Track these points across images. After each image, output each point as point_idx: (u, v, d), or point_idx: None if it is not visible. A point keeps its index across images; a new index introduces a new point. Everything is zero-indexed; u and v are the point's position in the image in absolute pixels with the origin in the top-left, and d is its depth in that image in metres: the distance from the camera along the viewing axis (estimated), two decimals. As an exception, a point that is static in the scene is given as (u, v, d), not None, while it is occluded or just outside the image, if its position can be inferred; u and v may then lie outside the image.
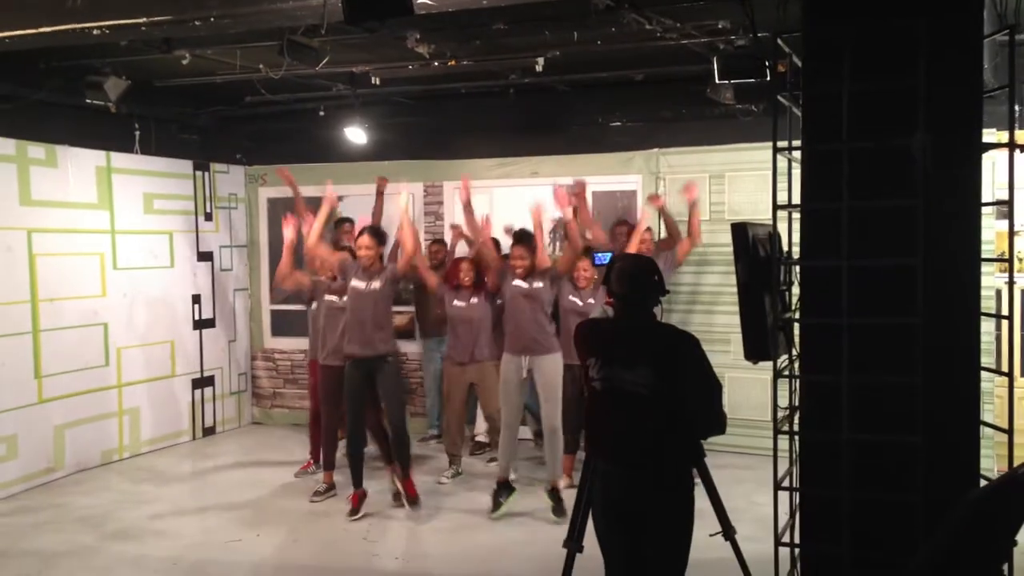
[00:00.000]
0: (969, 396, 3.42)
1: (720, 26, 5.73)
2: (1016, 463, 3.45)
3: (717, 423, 3.49)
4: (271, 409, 9.84)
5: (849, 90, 3.45)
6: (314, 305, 7.45)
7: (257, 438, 9.19)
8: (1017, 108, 3.36)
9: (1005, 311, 6.09)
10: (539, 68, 6.67)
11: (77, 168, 7.81)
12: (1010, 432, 3.41)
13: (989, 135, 3.50)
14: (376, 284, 6.47)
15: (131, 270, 8.34)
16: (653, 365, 3.53)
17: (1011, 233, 3.43)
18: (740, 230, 3.62)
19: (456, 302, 7.16)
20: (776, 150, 3.60)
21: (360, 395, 6.50)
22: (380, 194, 8.00)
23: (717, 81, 5.61)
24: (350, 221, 8.75)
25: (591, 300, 6.79)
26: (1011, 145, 3.40)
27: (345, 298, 6.64)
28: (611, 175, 8.59)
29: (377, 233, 6.72)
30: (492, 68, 7.26)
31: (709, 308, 8.04)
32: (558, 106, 8.60)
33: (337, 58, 6.45)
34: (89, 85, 6.65)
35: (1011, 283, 3.46)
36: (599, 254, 5.68)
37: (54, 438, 7.56)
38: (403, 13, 3.74)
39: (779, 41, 3.68)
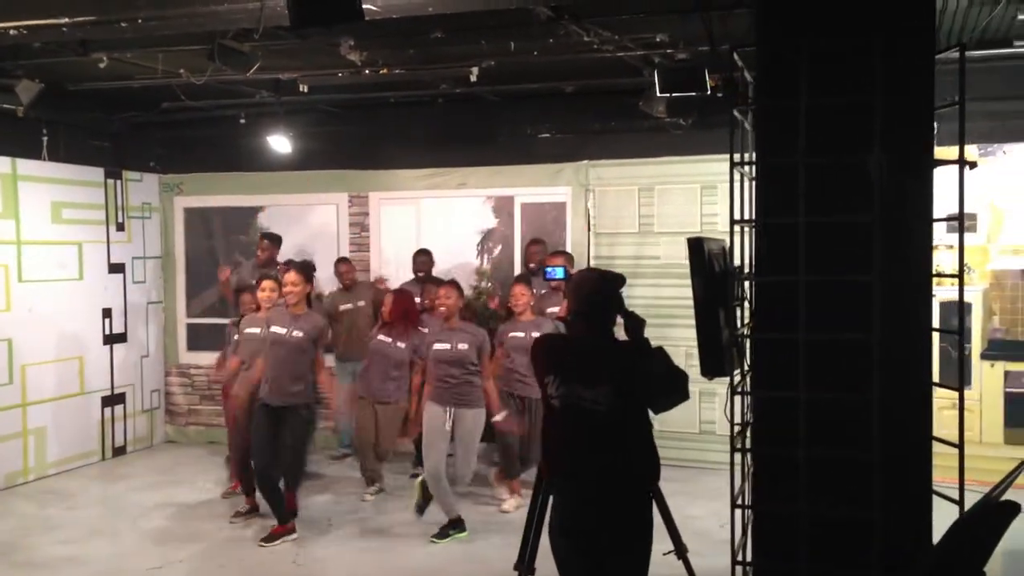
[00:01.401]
0: (922, 411, 3.44)
1: (658, 39, 5.73)
2: (964, 477, 3.50)
3: (681, 388, 3.47)
4: (186, 427, 9.47)
5: (805, 105, 3.44)
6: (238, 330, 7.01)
7: (171, 457, 8.82)
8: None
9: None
10: (474, 78, 6.57)
11: (-20, 174, 7.41)
12: (960, 447, 3.44)
13: (938, 152, 3.53)
14: (298, 333, 6.13)
15: (37, 283, 7.92)
16: (613, 383, 3.47)
17: (961, 248, 3.47)
18: (697, 245, 3.57)
19: (381, 336, 7.03)
20: (733, 164, 3.57)
21: (268, 442, 6.13)
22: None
23: (658, 94, 5.59)
24: (270, 238, 8.48)
25: (535, 333, 6.18)
26: (960, 162, 3.44)
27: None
28: (540, 187, 8.55)
29: (305, 269, 6.39)
30: (424, 77, 7.12)
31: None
32: (487, 117, 8.51)
33: (263, 64, 6.22)
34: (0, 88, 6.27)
35: (961, 298, 3.49)
36: (550, 268, 5.57)
37: (-47, 461, 7.12)
38: (353, 19, 3.59)
39: (734, 55, 3.66)
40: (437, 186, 8.83)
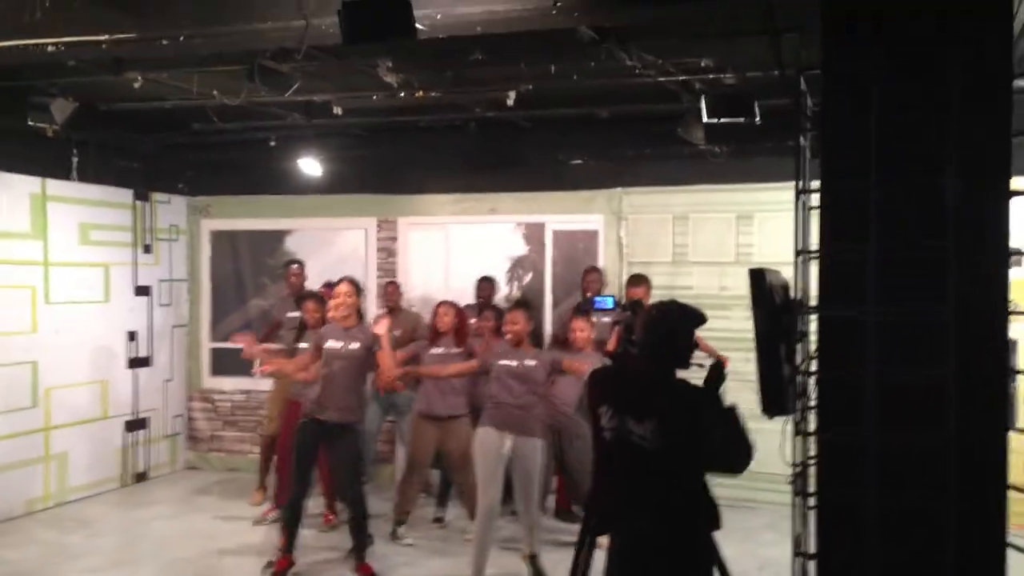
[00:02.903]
0: (999, 456, 3.25)
1: (703, 64, 5.59)
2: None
3: (746, 453, 3.28)
4: (208, 453, 9.32)
5: (875, 129, 3.29)
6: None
7: (193, 484, 8.67)
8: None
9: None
10: (510, 102, 6.44)
11: (9, 195, 7.33)
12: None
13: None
14: (354, 345, 5.94)
15: (64, 304, 7.82)
16: (665, 420, 3.32)
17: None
18: (758, 276, 3.42)
19: (434, 350, 6.80)
20: (799, 191, 3.41)
21: (312, 464, 6.01)
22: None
23: (705, 119, 5.45)
24: (298, 263, 8.33)
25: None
26: (1038, 192, 3.28)
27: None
28: (572, 214, 8.42)
29: (356, 282, 6.23)
30: (459, 100, 7.01)
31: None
32: (518, 141, 8.37)
33: (299, 85, 6.13)
34: (34, 106, 6.19)
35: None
36: (599, 298, 5.36)
37: (-27, 487, 6.99)
38: (407, 35, 3.49)
39: (802, 79, 3.52)
40: (467, 211, 8.71)
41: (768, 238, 7.70)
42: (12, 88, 6.21)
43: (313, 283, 8.34)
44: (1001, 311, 3.25)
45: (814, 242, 3.59)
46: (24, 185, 7.46)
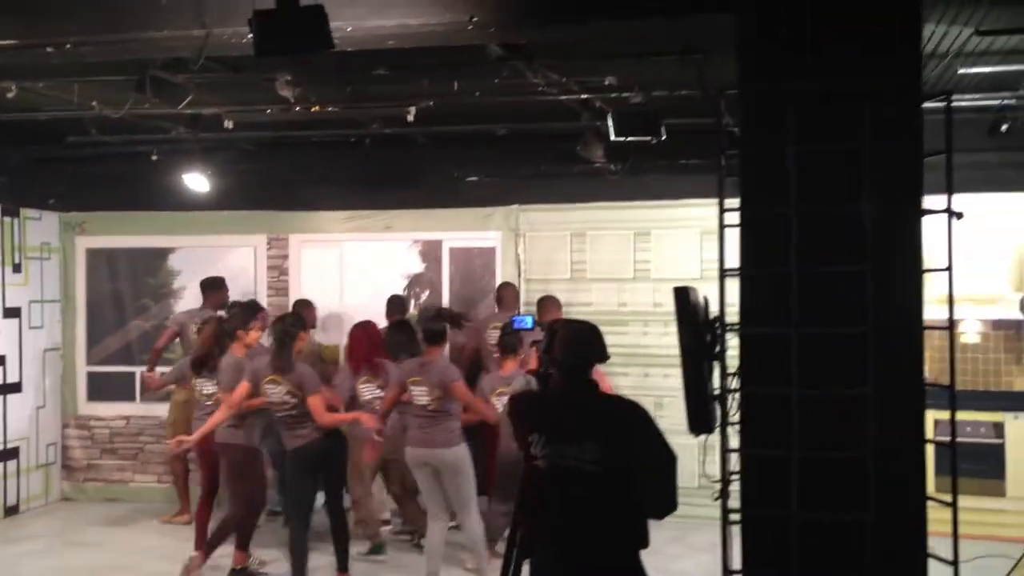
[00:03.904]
0: (917, 467, 3.34)
1: (607, 83, 5.61)
2: (958, 534, 3.42)
3: (670, 500, 3.25)
4: (84, 483, 8.79)
5: (793, 153, 3.34)
6: None
7: (69, 516, 8.16)
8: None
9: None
10: (411, 118, 6.34)
11: None
12: (954, 504, 3.35)
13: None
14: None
15: (-75, 328, 7.26)
16: (601, 438, 3.28)
17: (951, 300, 3.41)
18: (683, 294, 3.41)
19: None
20: (723, 210, 3.43)
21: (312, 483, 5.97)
22: None
23: (613, 137, 5.47)
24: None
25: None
26: (948, 212, 3.39)
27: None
28: (469, 231, 8.35)
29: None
30: (356, 116, 6.86)
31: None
32: (414, 158, 8.24)
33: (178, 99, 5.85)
34: None
35: (952, 351, 3.41)
36: (518, 318, 5.33)
37: None
38: (324, 47, 3.34)
39: (721, 100, 3.55)
40: (361, 229, 8.52)
41: (665, 254, 7.81)
42: None
43: (197, 302, 8.03)
44: (916, 327, 3.34)
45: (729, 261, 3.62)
46: None
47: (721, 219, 3.46)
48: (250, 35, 3.59)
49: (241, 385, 5.80)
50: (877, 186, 3.33)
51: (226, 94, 6.23)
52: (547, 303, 7.52)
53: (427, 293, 8.44)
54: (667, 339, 7.76)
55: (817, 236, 3.37)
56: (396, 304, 7.90)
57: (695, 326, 3.43)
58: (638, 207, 7.84)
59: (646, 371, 7.66)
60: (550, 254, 8.13)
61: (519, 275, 8.15)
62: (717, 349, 3.52)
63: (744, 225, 3.47)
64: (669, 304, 7.99)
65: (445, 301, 8.34)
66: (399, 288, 8.37)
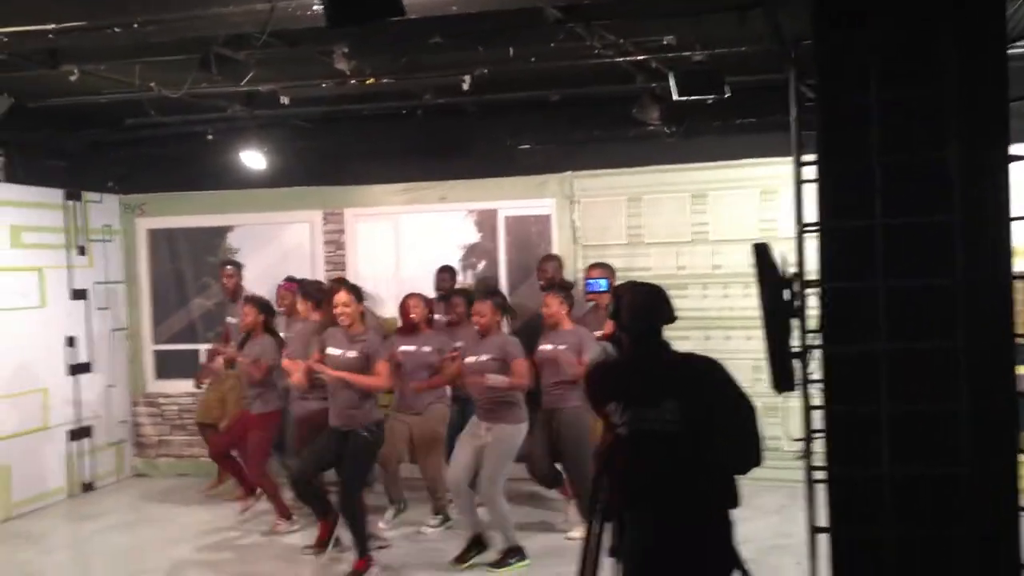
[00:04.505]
0: (1010, 420, 3.27)
1: (665, 42, 5.53)
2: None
3: (756, 452, 3.23)
4: (156, 459, 8.98)
5: (874, 101, 3.25)
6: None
7: (142, 492, 8.34)
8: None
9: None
10: (466, 87, 6.30)
11: (-65, 198, 6.93)
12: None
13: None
14: (352, 353, 5.79)
15: (-2, 311, 7.43)
16: (680, 397, 3.26)
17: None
18: (763, 250, 3.36)
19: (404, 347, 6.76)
20: (799, 164, 3.37)
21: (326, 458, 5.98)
22: None
23: (676, 97, 5.40)
24: (233, 264, 8.06)
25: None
26: (1036, 158, 3.29)
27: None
28: (524, 199, 8.31)
29: (354, 289, 6.07)
30: (407, 88, 6.84)
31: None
32: (467, 128, 8.22)
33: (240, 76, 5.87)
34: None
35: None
36: (592, 280, 5.27)
37: (-88, 508, 6.59)
38: (394, 14, 3.32)
39: (793, 52, 3.48)
40: (416, 201, 8.53)
41: (722, 216, 7.72)
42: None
43: (258, 280, 8.11)
44: (1005, 278, 3.26)
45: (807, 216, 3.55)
46: (-51, 188, 7.07)
47: (798, 174, 3.40)
48: (316, 6, 3.58)
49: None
50: (962, 133, 3.23)
51: (282, 69, 6.25)
52: (595, 270, 7.35)
53: (483, 263, 8.43)
54: (727, 301, 7.74)
55: (901, 187, 3.28)
56: (447, 274, 7.90)
57: (776, 283, 3.38)
58: (694, 169, 7.74)
59: (707, 334, 7.59)
60: (606, 220, 8.07)
61: (574, 241, 8.11)
62: (797, 305, 3.46)
63: (823, 178, 3.40)
64: (728, 266, 8.02)
65: (502, 270, 8.33)
66: (455, 259, 8.37)
